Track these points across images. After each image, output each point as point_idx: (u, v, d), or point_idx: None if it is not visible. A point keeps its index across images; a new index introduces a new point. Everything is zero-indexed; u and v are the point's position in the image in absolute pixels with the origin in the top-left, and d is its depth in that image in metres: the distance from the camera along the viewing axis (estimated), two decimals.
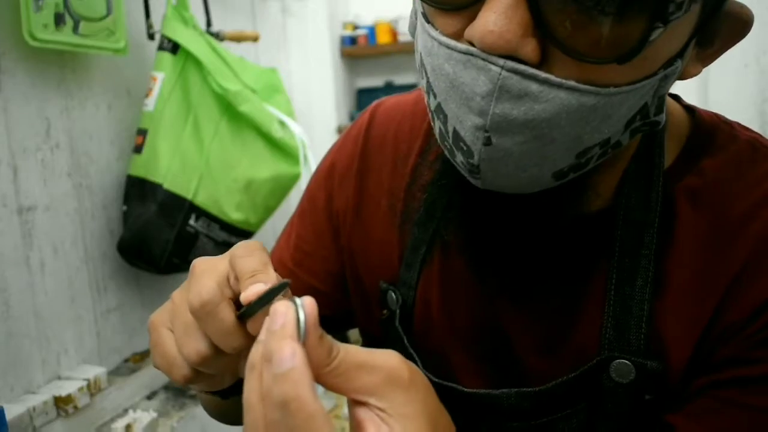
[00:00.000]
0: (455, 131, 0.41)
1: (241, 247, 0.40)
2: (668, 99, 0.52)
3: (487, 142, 0.39)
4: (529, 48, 0.36)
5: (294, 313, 0.34)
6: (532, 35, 0.36)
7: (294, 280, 0.63)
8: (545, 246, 0.49)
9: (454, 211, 0.50)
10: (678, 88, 0.55)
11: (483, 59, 0.37)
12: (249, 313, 0.37)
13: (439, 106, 0.41)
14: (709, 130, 0.49)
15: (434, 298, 0.55)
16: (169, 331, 0.42)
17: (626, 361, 0.45)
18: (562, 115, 0.37)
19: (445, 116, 0.41)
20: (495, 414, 0.50)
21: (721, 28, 0.42)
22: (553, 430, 0.49)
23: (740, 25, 0.42)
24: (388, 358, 0.36)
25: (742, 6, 0.41)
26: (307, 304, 0.34)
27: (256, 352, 0.35)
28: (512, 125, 0.38)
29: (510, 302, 0.52)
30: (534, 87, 0.36)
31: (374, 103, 0.65)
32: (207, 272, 0.40)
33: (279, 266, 0.64)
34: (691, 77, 0.44)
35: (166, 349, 0.41)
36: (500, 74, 0.36)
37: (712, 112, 0.52)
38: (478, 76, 0.37)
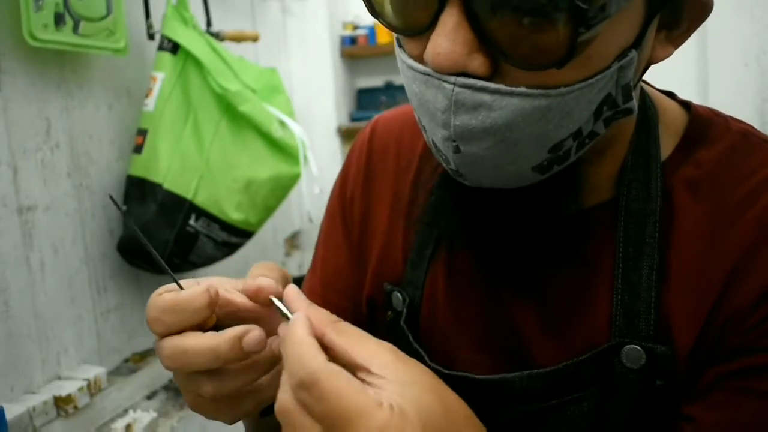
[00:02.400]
0: (433, 142, 0.45)
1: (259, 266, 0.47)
2: (662, 96, 0.55)
3: (457, 150, 0.43)
4: (477, 63, 0.40)
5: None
6: (479, 51, 0.39)
7: (325, 304, 0.64)
8: (550, 239, 0.50)
9: (458, 211, 0.51)
10: (678, 87, 0.56)
11: (437, 78, 0.41)
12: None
13: (419, 119, 0.46)
14: (704, 124, 0.52)
15: (440, 295, 0.57)
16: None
17: (637, 347, 0.47)
18: (519, 119, 0.40)
19: (424, 128, 0.45)
20: (506, 399, 0.51)
21: (685, 10, 0.44)
22: (564, 414, 0.50)
23: (700, 8, 0.44)
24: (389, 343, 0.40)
25: None
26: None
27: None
28: (474, 133, 0.41)
29: (518, 294, 0.53)
30: (486, 98, 0.40)
31: (374, 117, 0.68)
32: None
33: (311, 295, 0.65)
34: (663, 59, 0.46)
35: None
36: (453, 90, 0.40)
37: (707, 107, 0.54)
38: (437, 94, 0.41)
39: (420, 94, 0.43)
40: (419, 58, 0.42)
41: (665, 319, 0.47)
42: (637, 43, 0.42)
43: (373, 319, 0.62)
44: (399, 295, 0.58)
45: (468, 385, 0.52)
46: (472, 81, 0.40)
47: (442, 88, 0.40)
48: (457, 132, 0.41)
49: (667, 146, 0.51)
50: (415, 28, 0.42)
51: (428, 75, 0.41)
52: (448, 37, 0.39)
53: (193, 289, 0.42)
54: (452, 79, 0.40)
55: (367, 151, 0.64)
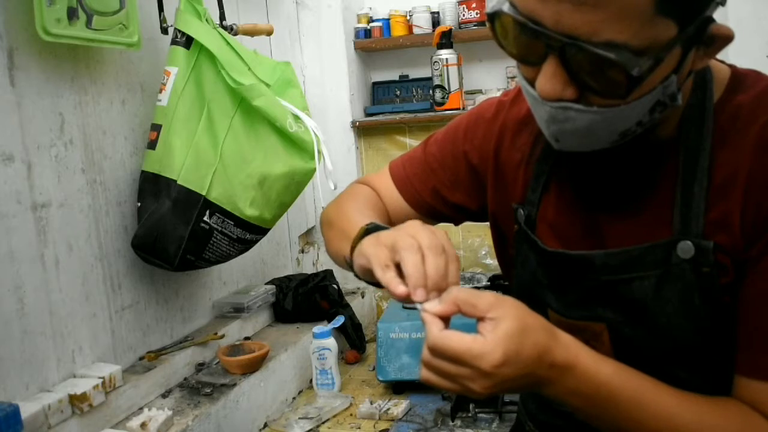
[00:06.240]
0: (541, 129, 0.67)
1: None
2: (714, 60, 0.72)
3: (556, 141, 0.66)
4: (568, 93, 0.60)
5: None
6: (569, 85, 0.60)
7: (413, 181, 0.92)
8: (627, 166, 0.71)
9: (562, 157, 0.75)
10: None
11: (542, 103, 0.62)
12: None
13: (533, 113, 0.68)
14: (741, 77, 0.70)
15: (550, 209, 0.78)
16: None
17: (688, 242, 0.65)
18: (594, 124, 0.62)
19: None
20: (590, 270, 0.71)
21: (715, 37, 0.60)
22: (631, 286, 0.69)
23: (724, 39, 0.60)
24: (490, 293, 0.61)
25: (719, 27, 0.59)
26: None
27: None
28: (565, 133, 0.64)
29: (605, 212, 0.73)
30: (572, 114, 0.61)
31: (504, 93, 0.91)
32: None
33: (407, 175, 0.93)
34: (702, 67, 0.64)
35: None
36: (549, 111, 0.62)
37: (747, 68, 0.72)
38: (541, 110, 0.63)
39: (532, 105, 0.65)
40: (531, 80, 0.62)
41: (710, 223, 0.65)
42: (676, 70, 0.59)
43: (497, 231, 0.87)
44: (521, 211, 0.80)
45: (564, 258, 0.73)
46: (563, 104, 0.60)
47: (544, 106, 0.62)
48: (553, 133, 0.65)
49: (717, 94, 0.69)
50: (527, 62, 0.62)
51: (536, 98, 0.62)
52: (549, 81, 0.60)
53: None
54: (550, 103, 0.61)
55: (505, 112, 0.85)
